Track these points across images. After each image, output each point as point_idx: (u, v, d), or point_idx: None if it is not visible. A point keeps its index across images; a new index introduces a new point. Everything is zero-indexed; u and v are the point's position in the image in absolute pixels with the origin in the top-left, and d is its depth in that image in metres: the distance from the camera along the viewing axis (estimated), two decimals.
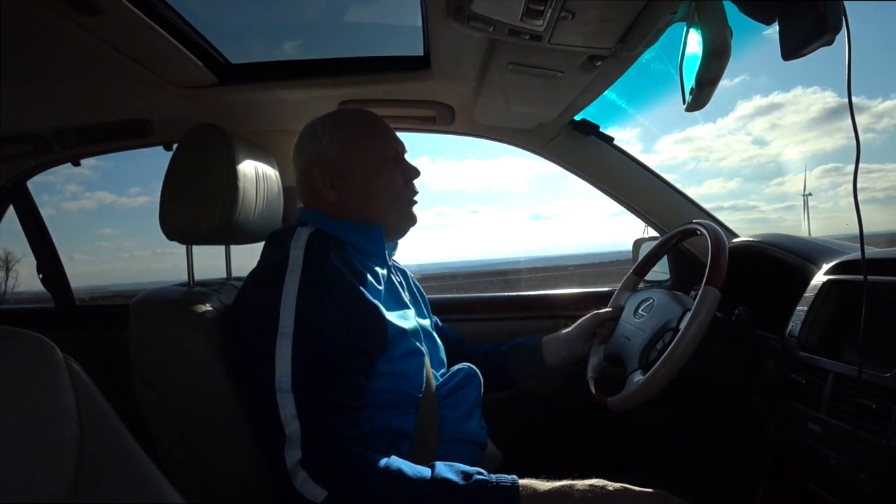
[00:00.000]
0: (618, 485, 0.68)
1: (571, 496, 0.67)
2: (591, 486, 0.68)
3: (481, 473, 0.69)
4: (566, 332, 1.18)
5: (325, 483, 0.66)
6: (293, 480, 0.67)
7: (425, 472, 0.69)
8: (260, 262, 0.90)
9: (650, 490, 0.68)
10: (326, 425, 0.70)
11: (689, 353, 0.86)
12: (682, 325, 0.89)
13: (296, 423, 0.69)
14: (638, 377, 0.93)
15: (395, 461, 0.70)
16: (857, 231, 0.65)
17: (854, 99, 0.60)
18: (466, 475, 0.68)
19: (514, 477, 0.69)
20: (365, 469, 0.68)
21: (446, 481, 0.67)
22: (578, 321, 1.19)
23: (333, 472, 0.68)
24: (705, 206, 1.53)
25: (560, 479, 0.70)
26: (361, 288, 0.81)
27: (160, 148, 1.48)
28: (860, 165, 0.65)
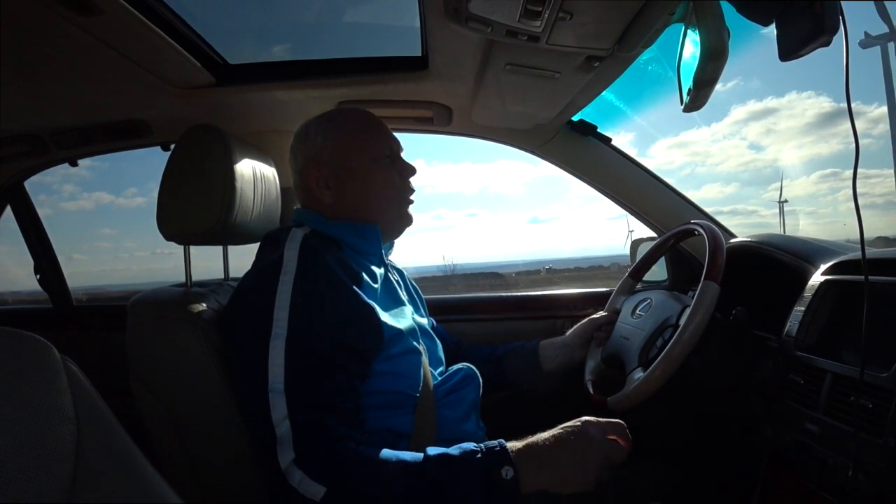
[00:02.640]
0: (579, 420, 0.73)
1: (545, 440, 0.71)
2: (558, 429, 0.72)
3: (468, 445, 0.71)
4: (563, 337, 1.17)
5: (323, 479, 0.66)
6: (290, 480, 0.67)
7: (419, 455, 0.70)
8: (255, 262, 0.89)
9: (611, 419, 0.74)
10: (317, 423, 0.70)
11: (691, 347, 0.86)
12: (682, 322, 0.89)
13: (286, 424, 0.69)
14: (639, 374, 0.93)
15: (388, 451, 0.70)
16: (848, 235, 0.65)
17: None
18: (456, 449, 0.71)
19: (501, 440, 0.72)
20: (360, 459, 0.68)
21: (441, 455, 0.69)
22: (574, 327, 1.19)
23: (329, 467, 0.67)
24: (704, 210, 1.53)
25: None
26: (356, 288, 0.80)
27: (155, 149, 1.47)
28: (859, 170, 0.65)
